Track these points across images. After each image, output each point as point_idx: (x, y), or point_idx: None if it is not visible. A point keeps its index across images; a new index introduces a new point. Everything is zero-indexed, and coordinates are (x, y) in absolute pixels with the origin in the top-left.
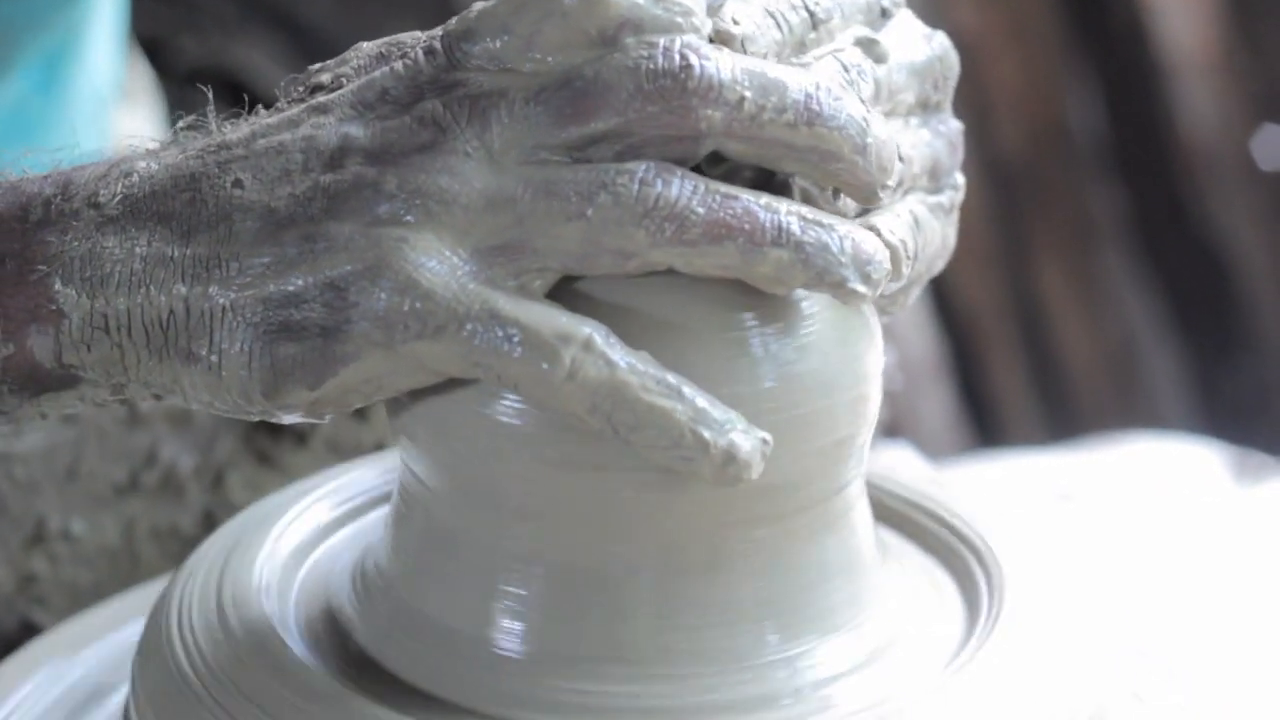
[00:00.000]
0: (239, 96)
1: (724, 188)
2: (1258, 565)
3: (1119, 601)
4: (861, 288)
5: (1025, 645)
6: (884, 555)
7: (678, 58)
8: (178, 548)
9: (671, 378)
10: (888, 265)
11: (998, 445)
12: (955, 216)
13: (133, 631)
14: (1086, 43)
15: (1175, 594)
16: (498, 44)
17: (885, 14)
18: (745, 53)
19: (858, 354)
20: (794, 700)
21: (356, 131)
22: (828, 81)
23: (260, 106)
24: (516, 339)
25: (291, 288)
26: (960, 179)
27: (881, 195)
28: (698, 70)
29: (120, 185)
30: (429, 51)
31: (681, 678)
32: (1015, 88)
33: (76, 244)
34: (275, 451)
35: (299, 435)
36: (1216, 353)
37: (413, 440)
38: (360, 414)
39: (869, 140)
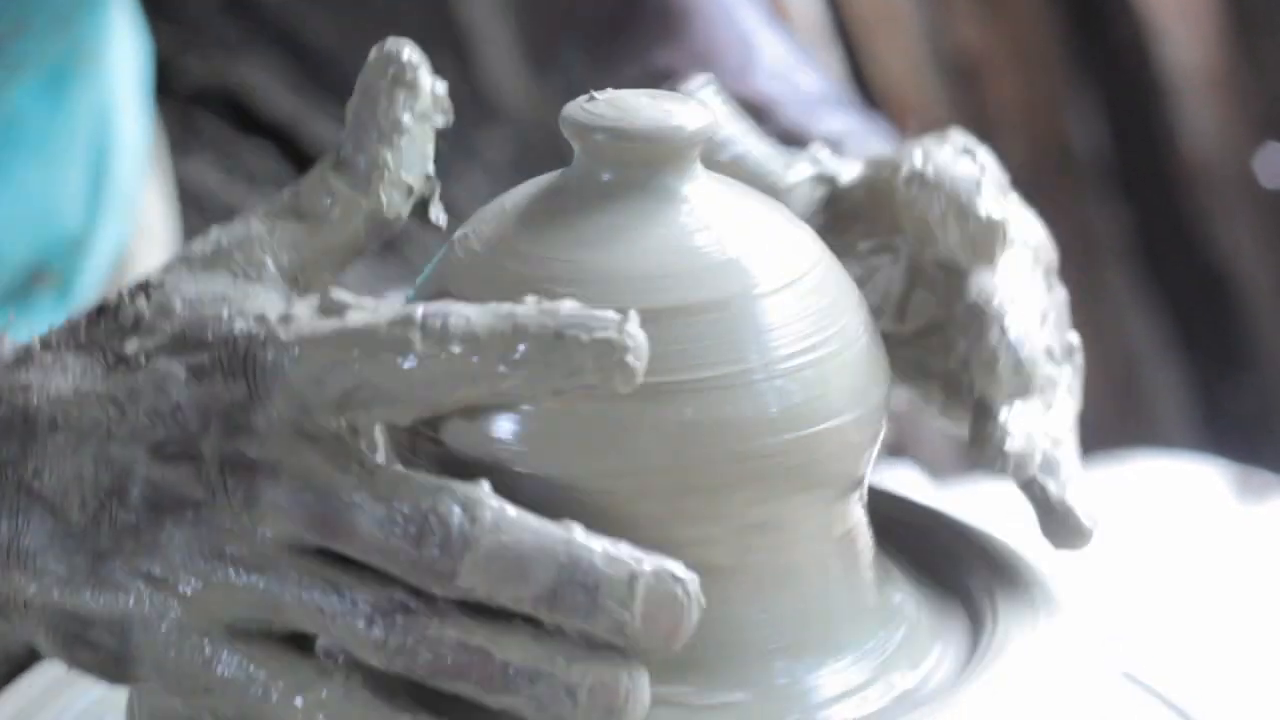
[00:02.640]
0: (242, 116)
1: (462, 628)
2: (1261, 584)
3: (1122, 621)
4: None
5: (1028, 666)
6: (886, 575)
7: (433, 527)
8: None
9: None
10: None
11: None
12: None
13: None
14: (1089, 62)
15: (1179, 613)
16: (306, 393)
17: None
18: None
19: (864, 388)
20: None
21: (142, 456)
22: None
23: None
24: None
25: (83, 610)
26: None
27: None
28: (455, 539)
29: None
30: (227, 373)
31: (685, 695)
32: (1017, 107)
33: None
34: None
35: None
36: (1220, 370)
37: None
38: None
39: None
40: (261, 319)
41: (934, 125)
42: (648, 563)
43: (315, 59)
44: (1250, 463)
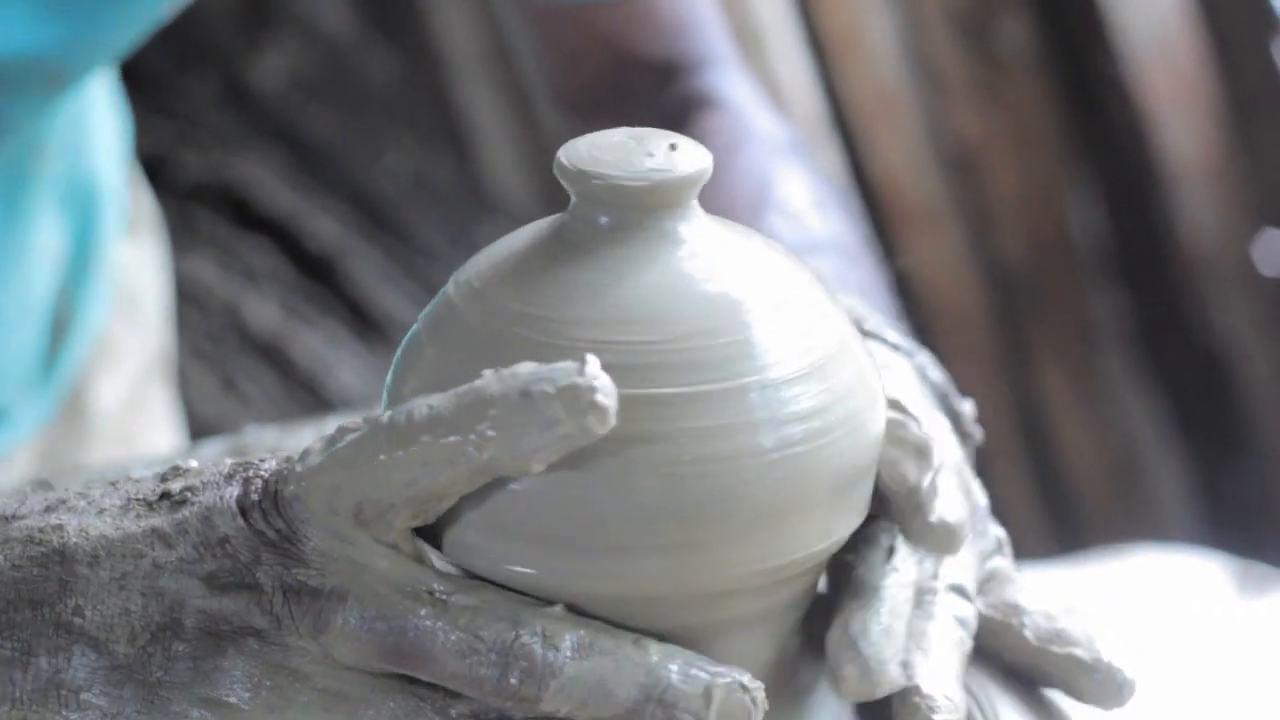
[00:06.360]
0: (241, 212)
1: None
2: (1263, 679)
3: (1124, 717)
4: None
5: None
6: None
7: (517, 656)
8: None
9: None
10: None
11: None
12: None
13: None
14: (1087, 150)
15: (1180, 708)
16: (330, 522)
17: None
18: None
19: (863, 453)
20: None
21: (195, 588)
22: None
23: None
24: None
25: None
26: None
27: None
28: (539, 668)
29: None
30: (265, 512)
31: None
32: (1016, 195)
33: None
34: None
35: None
36: (1220, 458)
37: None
38: None
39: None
40: (289, 458)
41: (933, 216)
42: (721, 675)
43: (314, 154)
44: (1250, 551)
